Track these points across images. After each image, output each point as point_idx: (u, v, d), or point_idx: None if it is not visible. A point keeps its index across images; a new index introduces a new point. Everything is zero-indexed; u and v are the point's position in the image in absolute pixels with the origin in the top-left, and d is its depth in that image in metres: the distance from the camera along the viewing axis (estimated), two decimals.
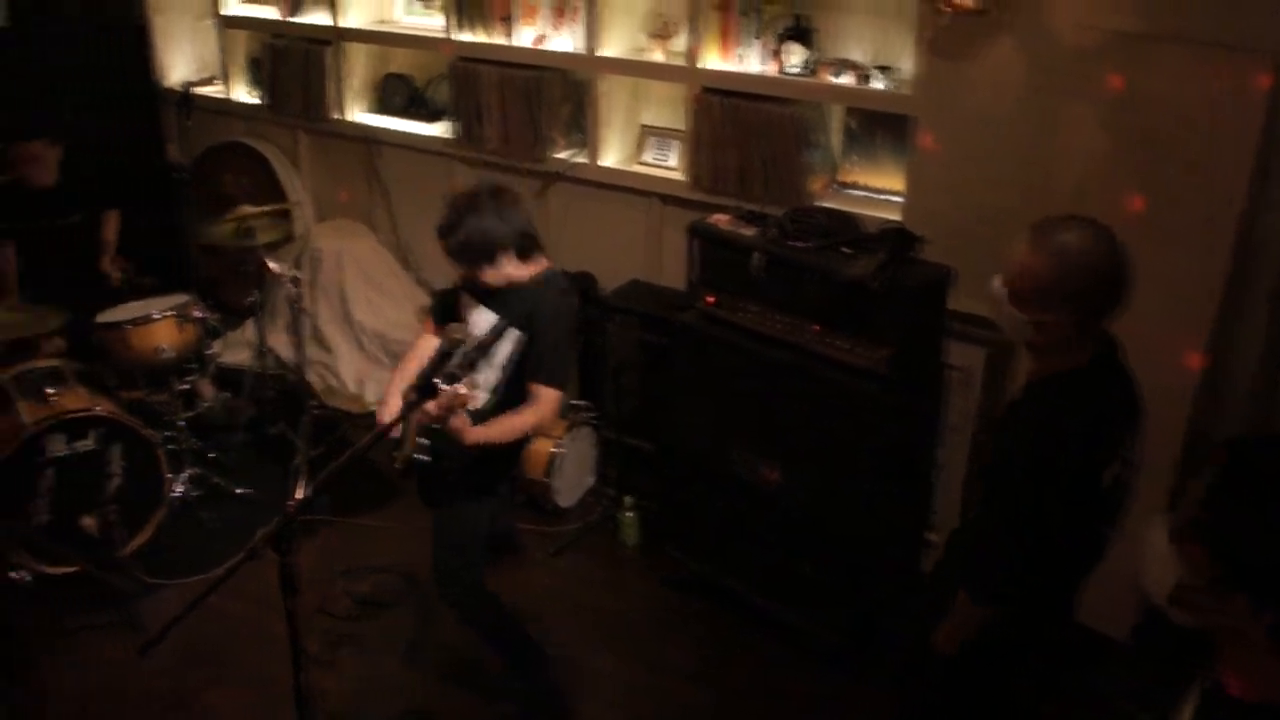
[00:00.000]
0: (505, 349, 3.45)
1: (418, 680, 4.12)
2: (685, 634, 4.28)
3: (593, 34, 4.86)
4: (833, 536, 3.87)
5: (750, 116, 4.53)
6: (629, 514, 4.72)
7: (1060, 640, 2.94)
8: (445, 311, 3.71)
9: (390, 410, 3.56)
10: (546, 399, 3.41)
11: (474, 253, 3.36)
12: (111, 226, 5.67)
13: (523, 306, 3.43)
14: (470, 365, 3.41)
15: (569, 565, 4.66)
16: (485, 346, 3.44)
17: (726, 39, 4.63)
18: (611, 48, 4.89)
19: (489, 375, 3.48)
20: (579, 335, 4.91)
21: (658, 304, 4.74)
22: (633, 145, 5.11)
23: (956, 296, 3.76)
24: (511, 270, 3.42)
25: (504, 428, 3.41)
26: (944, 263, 3.71)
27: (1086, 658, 3.81)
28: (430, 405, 3.19)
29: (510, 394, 3.47)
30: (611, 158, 5.09)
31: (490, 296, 3.50)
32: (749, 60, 4.59)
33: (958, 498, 4.20)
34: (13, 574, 4.42)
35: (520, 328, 3.42)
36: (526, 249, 3.43)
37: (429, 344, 3.72)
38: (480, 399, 3.44)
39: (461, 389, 3.14)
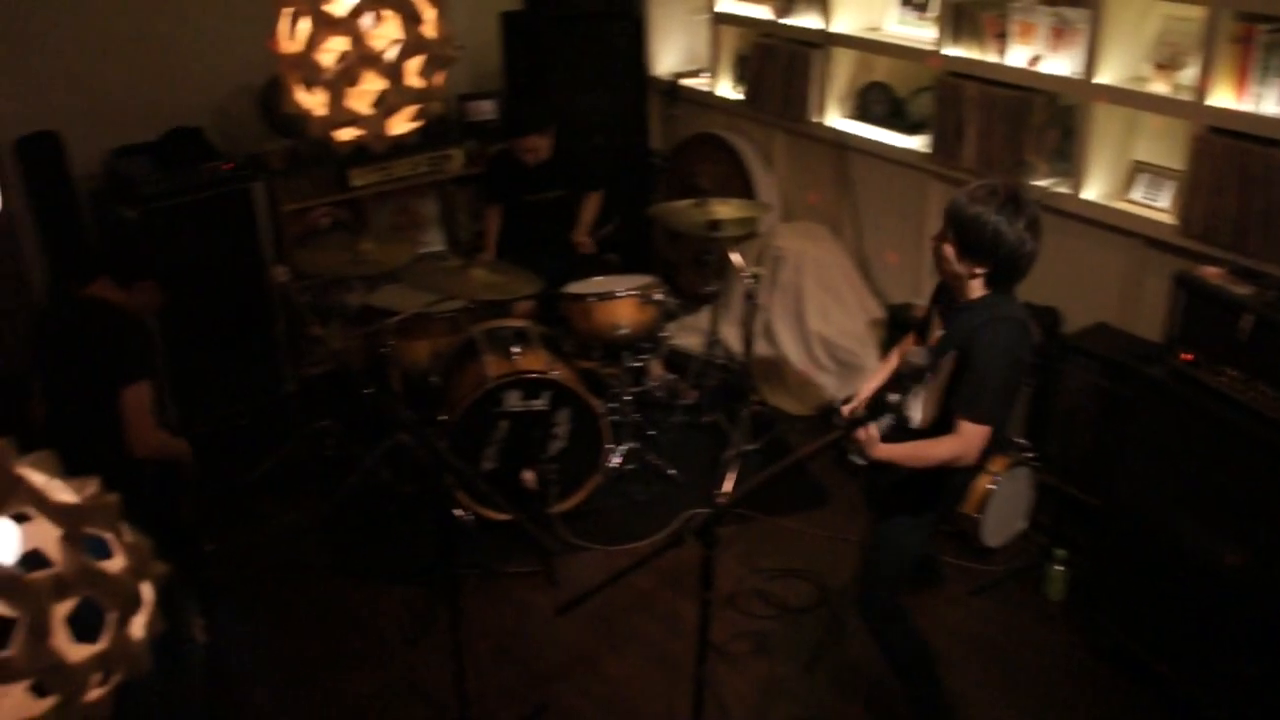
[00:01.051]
0: (946, 368, 3.30)
1: (813, 689, 4.11)
2: (1097, 707, 4.01)
3: (1092, 58, 4.61)
4: None
5: (1259, 163, 4.14)
6: (1058, 567, 4.47)
7: None
8: (923, 327, 3.64)
9: (853, 405, 3.62)
10: (966, 435, 3.22)
11: (969, 236, 3.20)
12: (591, 208, 6.01)
13: (966, 328, 3.27)
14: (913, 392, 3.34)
15: (985, 608, 4.48)
16: (930, 371, 3.34)
17: (1242, 76, 4.24)
18: (1109, 75, 4.61)
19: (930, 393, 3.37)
20: (1032, 374, 4.71)
21: (1125, 352, 4.44)
22: (1121, 180, 4.81)
23: None
24: (972, 281, 3.28)
25: (914, 451, 3.30)
26: None
27: None
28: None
29: (943, 417, 3.34)
30: (1095, 191, 4.82)
31: (950, 312, 3.39)
32: (1266, 101, 4.19)
33: None
34: (457, 512, 4.81)
35: (959, 349, 3.26)
36: (999, 275, 3.26)
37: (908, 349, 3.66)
38: (915, 419, 3.36)
39: (873, 429, 3.09)
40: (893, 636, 3.65)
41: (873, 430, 3.20)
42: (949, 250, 3.26)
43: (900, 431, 3.38)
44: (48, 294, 5.81)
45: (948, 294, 3.44)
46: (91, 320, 3.53)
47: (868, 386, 3.73)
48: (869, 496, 3.71)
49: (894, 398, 3.21)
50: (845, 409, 3.68)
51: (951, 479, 3.48)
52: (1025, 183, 3.35)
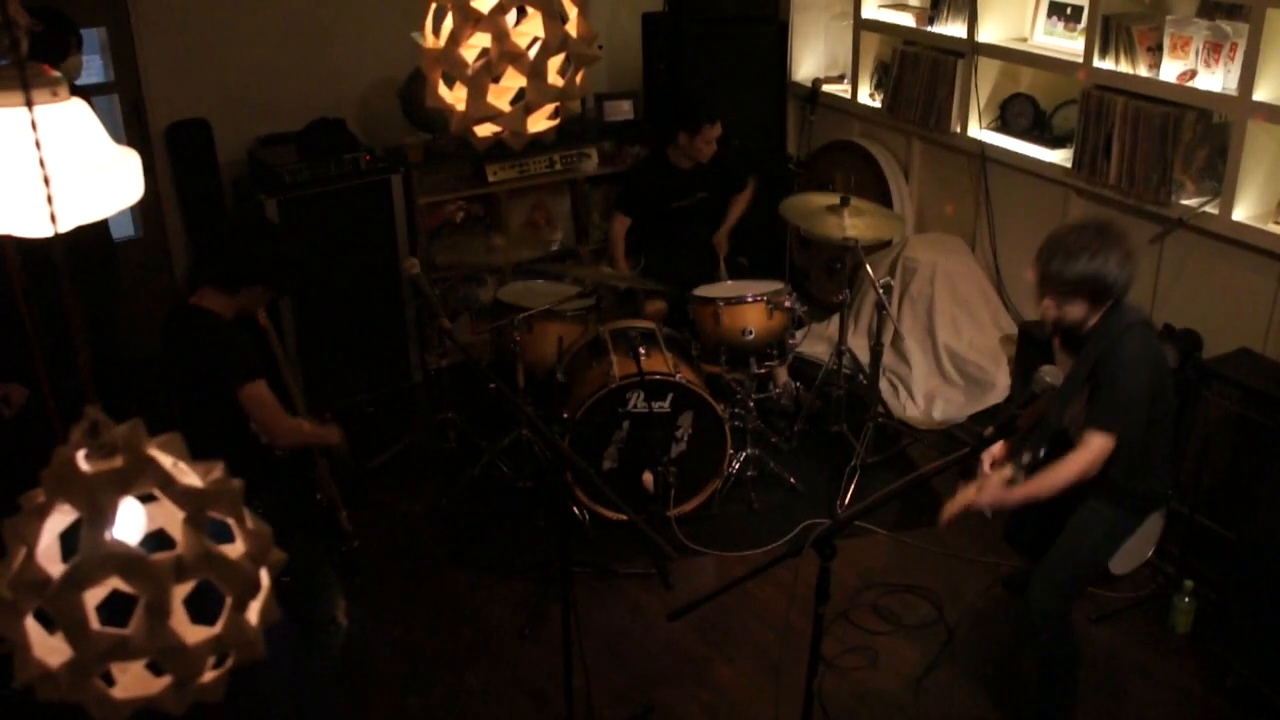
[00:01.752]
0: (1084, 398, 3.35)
1: (922, 706, 4.05)
2: None
3: (1248, 75, 4.44)
4: None
5: None
6: (1186, 599, 4.31)
7: None
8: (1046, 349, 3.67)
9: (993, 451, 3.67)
10: (1094, 445, 3.30)
11: (1086, 291, 3.32)
12: (739, 205, 5.95)
13: (1095, 351, 3.34)
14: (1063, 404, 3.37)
15: (1106, 636, 4.35)
16: (1073, 383, 3.36)
17: None
18: (1266, 92, 4.44)
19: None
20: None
21: (1267, 380, 4.27)
22: (1272, 202, 4.62)
23: None
24: (1081, 311, 3.38)
25: (1047, 481, 3.36)
26: None
27: None
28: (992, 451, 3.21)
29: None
30: (1245, 212, 4.64)
31: (1074, 342, 3.45)
32: None
33: None
34: (576, 510, 4.83)
35: (1092, 368, 3.34)
36: (1102, 295, 3.34)
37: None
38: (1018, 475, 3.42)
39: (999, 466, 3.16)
40: (1058, 649, 3.65)
41: (992, 474, 3.39)
42: (1076, 309, 3.37)
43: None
44: (174, 300, 6.01)
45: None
46: (191, 332, 3.61)
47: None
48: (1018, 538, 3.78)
49: (1026, 458, 3.37)
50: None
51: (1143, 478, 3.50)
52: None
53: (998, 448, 3.64)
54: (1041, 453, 3.41)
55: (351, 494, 4.24)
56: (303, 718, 3.73)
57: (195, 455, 1.49)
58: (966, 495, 3.42)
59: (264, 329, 3.98)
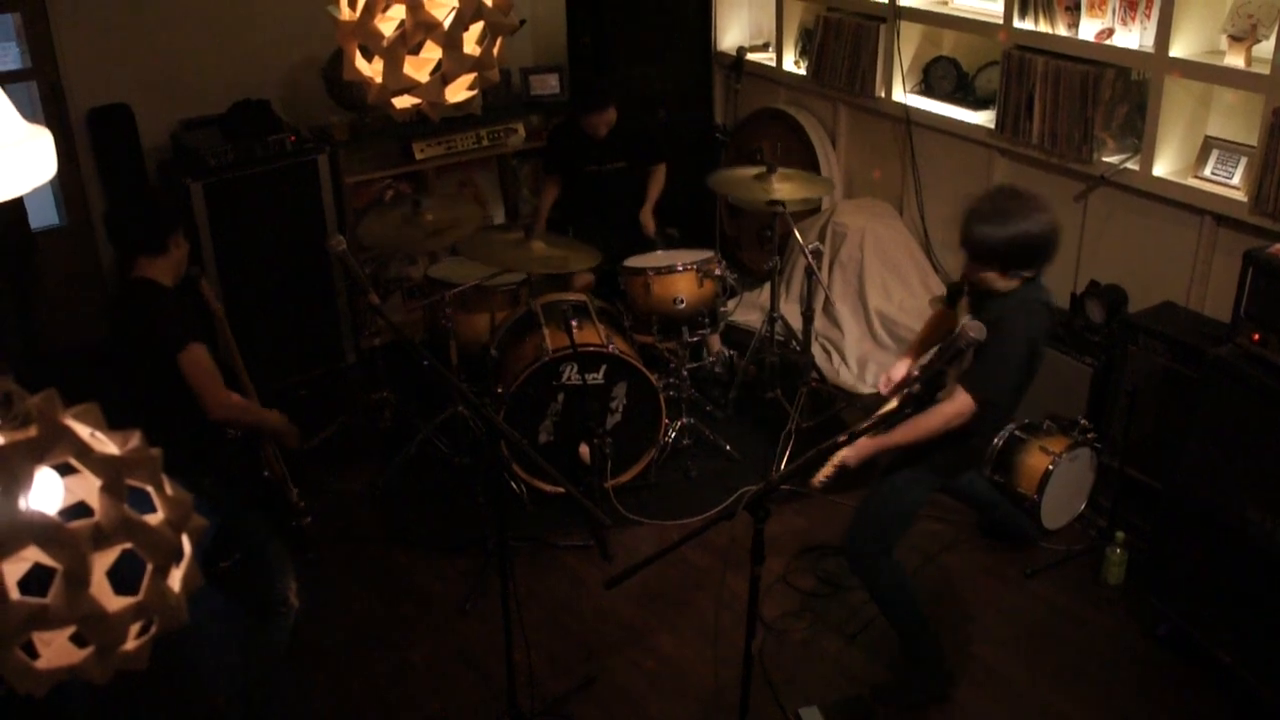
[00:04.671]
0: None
1: (861, 663, 4.10)
2: (1154, 693, 3.94)
3: (1164, 31, 4.50)
4: None
5: None
6: (1118, 550, 4.39)
7: None
8: (952, 304, 3.75)
9: (893, 371, 3.93)
10: (959, 400, 3.45)
11: (1012, 258, 3.41)
12: (658, 180, 5.97)
13: (995, 312, 3.43)
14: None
15: (1040, 589, 4.42)
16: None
17: None
18: (1182, 48, 4.51)
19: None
20: (1096, 354, 4.64)
21: (1191, 332, 4.35)
22: (1191, 156, 4.70)
23: None
24: (995, 278, 3.47)
25: (911, 430, 3.55)
26: None
27: None
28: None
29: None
30: (1165, 168, 4.72)
31: (977, 300, 3.58)
32: None
33: None
34: (513, 484, 4.83)
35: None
36: (1018, 263, 3.43)
37: (936, 328, 3.96)
38: None
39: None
40: (880, 581, 3.78)
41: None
42: (992, 275, 3.47)
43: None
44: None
45: None
46: (134, 303, 3.62)
47: (907, 361, 3.99)
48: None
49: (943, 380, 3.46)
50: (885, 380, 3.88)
51: (961, 442, 3.60)
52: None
53: (898, 371, 3.91)
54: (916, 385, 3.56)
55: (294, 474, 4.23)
56: (250, 699, 3.70)
57: (150, 438, 1.48)
58: (840, 454, 3.59)
59: (215, 314, 3.99)
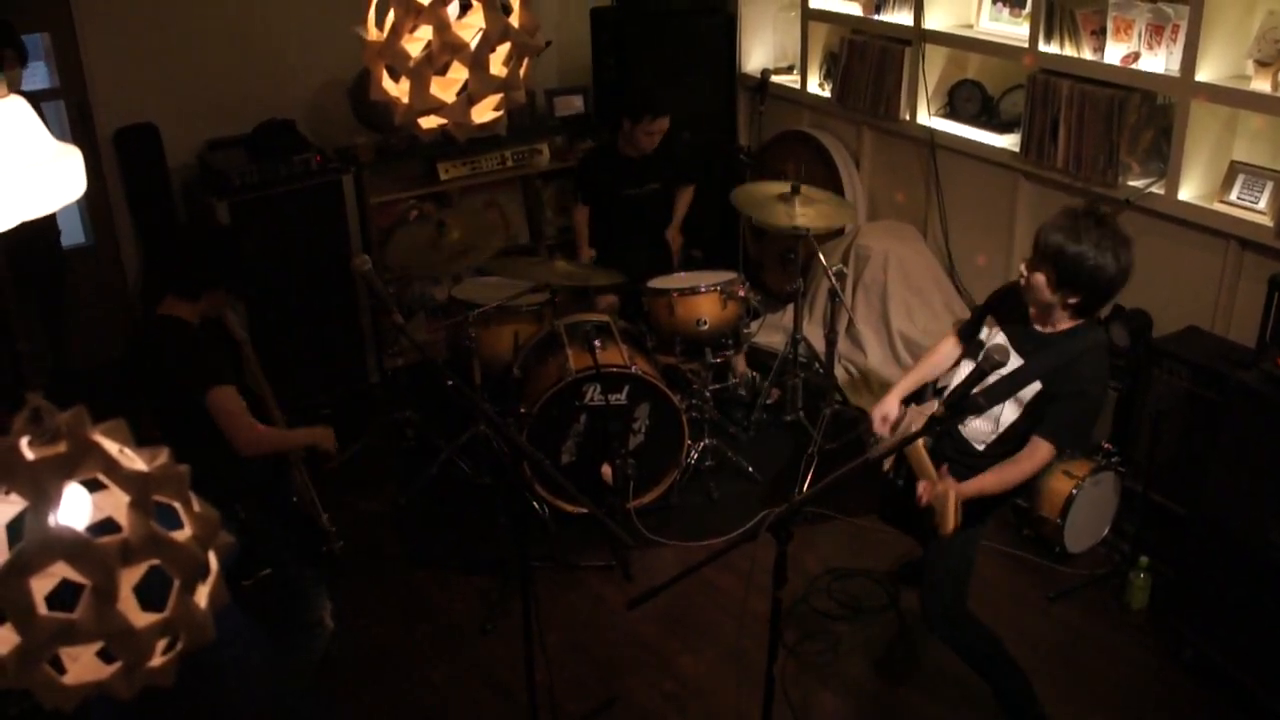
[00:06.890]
0: (1031, 391, 3.34)
1: (882, 689, 4.08)
2: (1175, 718, 3.90)
3: (1190, 56, 4.50)
4: None
5: None
6: (1141, 575, 4.36)
7: None
8: (973, 328, 3.67)
9: (887, 408, 3.66)
10: (1040, 452, 3.29)
11: (1068, 272, 3.20)
12: (684, 201, 5.98)
13: (1054, 358, 3.29)
14: (995, 396, 3.34)
15: (1063, 614, 4.39)
16: (1015, 382, 3.33)
17: None
18: (1208, 72, 4.50)
19: (1009, 412, 3.40)
20: (1120, 378, 4.61)
21: (1216, 357, 4.33)
22: (1217, 181, 4.68)
23: None
24: (1061, 311, 3.31)
25: (1000, 479, 3.36)
26: None
27: None
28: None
29: (1015, 438, 3.39)
30: (1190, 192, 4.70)
31: (1029, 338, 3.40)
32: None
33: None
34: (535, 504, 4.83)
35: (1043, 379, 3.30)
36: (1092, 304, 3.29)
37: (946, 352, 3.76)
38: (985, 436, 3.44)
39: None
40: (967, 639, 3.64)
41: (950, 482, 3.29)
42: (1040, 279, 3.26)
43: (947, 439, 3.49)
44: (139, 307, 5.98)
45: (1015, 311, 3.46)
46: (159, 341, 3.62)
47: (903, 386, 3.78)
48: (901, 511, 3.70)
49: (983, 404, 3.26)
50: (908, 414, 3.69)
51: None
52: (1105, 208, 3.34)
53: (891, 408, 3.66)
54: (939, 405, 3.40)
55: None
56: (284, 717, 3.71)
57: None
58: (953, 494, 3.30)
59: (239, 342, 3.99)
